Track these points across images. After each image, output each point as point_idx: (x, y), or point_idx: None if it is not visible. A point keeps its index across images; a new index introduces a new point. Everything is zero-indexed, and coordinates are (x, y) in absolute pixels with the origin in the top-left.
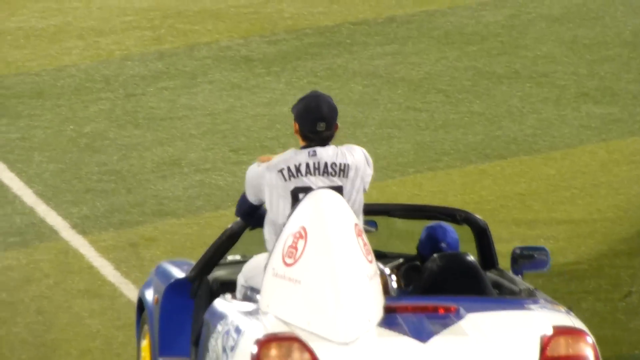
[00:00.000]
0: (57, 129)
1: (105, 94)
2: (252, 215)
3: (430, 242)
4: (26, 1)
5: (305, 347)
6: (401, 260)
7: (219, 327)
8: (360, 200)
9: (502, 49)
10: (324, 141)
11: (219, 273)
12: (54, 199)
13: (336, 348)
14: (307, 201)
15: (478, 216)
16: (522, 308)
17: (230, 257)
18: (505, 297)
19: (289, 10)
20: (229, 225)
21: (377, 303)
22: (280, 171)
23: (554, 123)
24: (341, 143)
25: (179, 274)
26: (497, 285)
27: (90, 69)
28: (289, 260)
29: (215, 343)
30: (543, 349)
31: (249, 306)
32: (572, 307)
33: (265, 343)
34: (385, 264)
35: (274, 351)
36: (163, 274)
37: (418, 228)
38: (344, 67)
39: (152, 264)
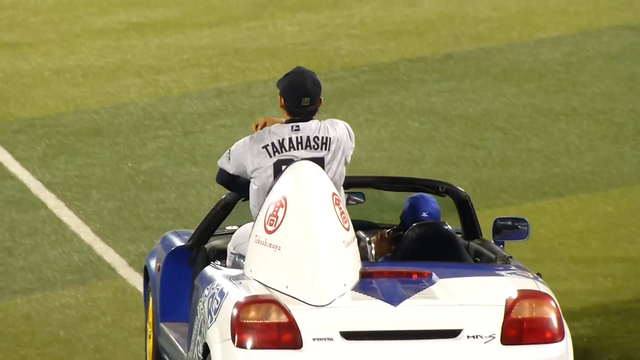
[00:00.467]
0: (115, 166)
1: (163, 132)
2: (231, 184)
3: (413, 212)
4: (85, 39)
5: (282, 309)
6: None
7: (206, 292)
8: (341, 172)
9: (560, 86)
10: (308, 115)
11: (216, 242)
12: (112, 236)
13: (312, 310)
14: (288, 172)
15: (460, 188)
16: (491, 274)
17: (228, 228)
18: (478, 264)
19: (346, 48)
20: (223, 197)
21: (353, 268)
22: (265, 147)
23: (612, 160)
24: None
25: (180, 243)
26: (478, 254)
27: (148, 106)
28: (270, 228)
29: (202, 306)
30: (508, 311)
31: (235, 272)
32: (540, 274)
33: (244, 305)
34: (373, 233)
35: (252, 313)
36: (166, 243)
37: (402, 200)
38: (400, 104)
39: None
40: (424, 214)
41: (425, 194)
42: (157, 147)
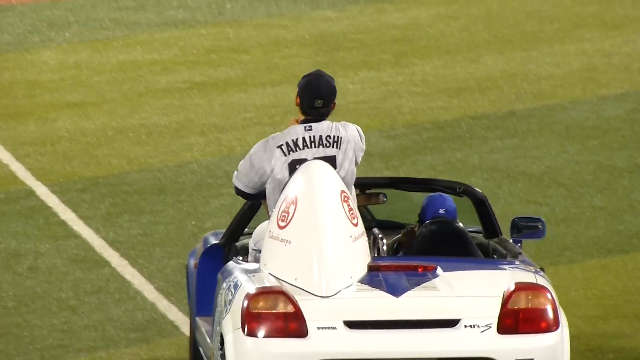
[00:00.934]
0: (178, 224)
1: (227, 190)
2: (249, 198)
3: (431, 209)
4: (149, 98)
5: (289, 299)
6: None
7: (224, 284)
8: (352, 171)
9: (623, 143)
10: (321, 116)
11: (245, 240)
12: (175, 294)
13: (317, 300)
14: (300, 171)
15: (477, 189)
16: (494, 268)
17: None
18: (484, 259)
19: (408, 105)
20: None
21: (360, 261)
22: (280, 147)
23: None
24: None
25: (216, 241)
26: (495, 251)
27: (212, 164)
28: (282, 223)
29: (220, 298)
30: (505, 302)
31: (252, 266)
32: (543, 269)
33: (254, 296)
34: (397, 232)
35: (261, 303)
36: (205, 242)
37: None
38: (463, 161)
39: None
40: (441, 211)
41: (442, 194)
42: (220, 205)
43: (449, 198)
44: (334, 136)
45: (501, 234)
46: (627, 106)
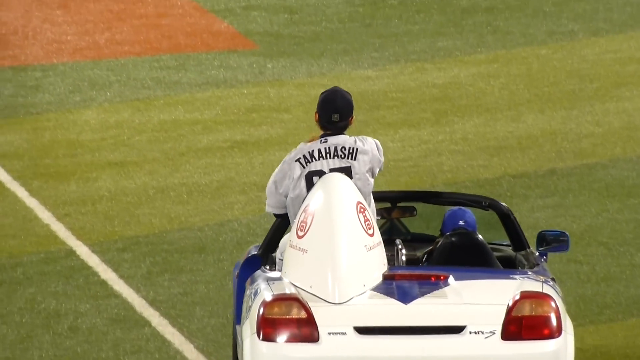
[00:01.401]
0: (219, 283)
1: None
2: (283, 217)
3: (452, 221)
4: (190, 157)
5: (303, 306)
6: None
7: (248, 292)
8: (369, 182)
9: None
10: (339, 130)
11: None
12: (215, 353)
13: (329, 307)
14: (319, 183)
15: (502, 203)
16: (505, 277)
17: None
18: (499, 269)
19: (448, 164)
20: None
21: (374, 270)
22: (298, 160)
23: None
24: None
25: (256, 252)
26: (520, 263)
27: (252, 223)
28: (300, 233)
29: (244, 305)
30: (510, 310)
31: (275, 274)
32: (554, 279)
33: (269, 303)
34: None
35: (276, 309)
36: (248, 253)
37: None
38: None
39: None
40: (461, 222)
41: (462, 207)
42: None
43: (469, 211)
44: (349, 147)
45: (529, 247)
46: None
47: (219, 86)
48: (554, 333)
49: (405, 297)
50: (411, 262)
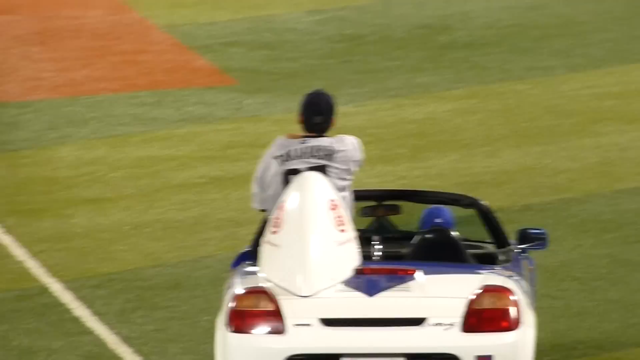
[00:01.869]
0: (193, 320)
1: None
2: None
3: (429, 219)
4: (165, 194)
5: (271, 298)
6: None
7: (225, 286)
8: (346, 181)
9: (638, 236)
10: (320, 132)
11: None
12: None
13: (296, 300)
14: (293, 182)
15: (482, 201)
16: (471, 272)
17: None
18: (468, 264)
19: None
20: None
21: (344, 265)
22: (276, 157)
23: None
24: None
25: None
26: (499, 259)
27: (227, 259)
28: (274, 229)
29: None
30: (470, 303)
31: (252, 269)
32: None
33: (239, 296)
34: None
35: (245, 302)
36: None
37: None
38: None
39: None
40: (438, 220)
41: (439, 205)
42: None
43: (445, 209)
44: (325, 147)
45: (510, 244)
46: None
47: (197, 122)
48: (513, 326)
49: (370, 290)
50: (391, 258)
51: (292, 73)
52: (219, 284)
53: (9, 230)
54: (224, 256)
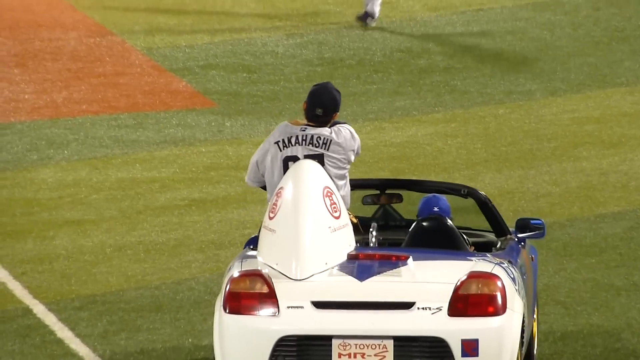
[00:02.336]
0: (175, 342)
1: None
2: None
3: (427, 207)
4: (147, 216)
5: (266, 281)
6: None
7: (226, 270)
8: (343, 169)
9: (621, 261)
10: (321, 124)
11: None
12: None
13: (290, 283)
14: (290, 169)
15: (481, 192)
16: (462, 259)
17: None
18: (461, 251)
19: None
20: None
21: (338, 250)
22: (277, 143)
23: None
24: None
25: None
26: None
27: (210, 281)
28: (271, 215)
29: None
30: (457, 288)
31: (252, 253)
32: (511, 261)
33: (235, 279)
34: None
35: (240, 284)
36: None
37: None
38: None
39: None
40: (435, 209)
41: (437, 194)
42: None
43: (443, 198)
44: (323, 137)
45: (510, 233)
46: (624, 224)
47: (177, 144)
48: (499, 310)
49: (362, 275)
50: (391, 244)
51: (272, 96)
52: (201, 306)
53: None
54: (206, 278)
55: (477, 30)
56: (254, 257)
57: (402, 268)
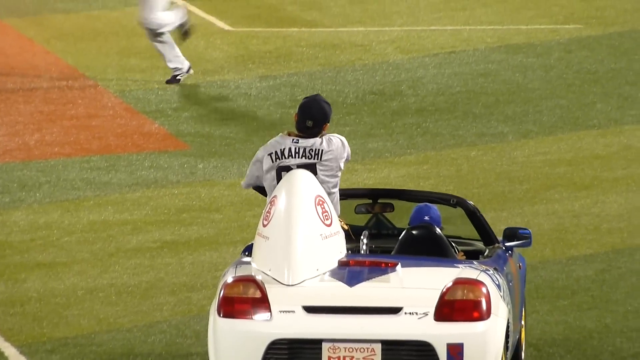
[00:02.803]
0: None
1: (196, 349)
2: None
3: (418, 216)
4: (119, 258)
5: (258, 286)
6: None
7: (222, 275)
8: (334, 177)
9: (593, 303)
10: (311, 135)
11: None
12: None
13: (282, 288)
14: (284, 179)
15: (469, 201)
16: (449, 266)
17: None
18: (448, 259)
19: None
20: None
21: (329, 257)
22: (270, 154)
23: None
24: None
25: None
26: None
27: (182, 324)
28: (264, 222)
29: None
30: (443, 294)
31: (246, 259)
32: (497, 269)
33: (229, 284)
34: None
35: (235, 289)
36: None
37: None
38: None
39: None
40: (426, 218)
41: (428, 203)
42: None
43: (434, 207)
44: (315, 149)
45: (498, 242)
46: (596, 267)
47: (150, 186)
48: (483, 316)
49: (351, 281)
50: (382, 252)
51: (245, 138)
52: (173, 350)
53: None
54: (178, 321)
55: (449, 72)
56: (248, 263)
57: (391, 274)
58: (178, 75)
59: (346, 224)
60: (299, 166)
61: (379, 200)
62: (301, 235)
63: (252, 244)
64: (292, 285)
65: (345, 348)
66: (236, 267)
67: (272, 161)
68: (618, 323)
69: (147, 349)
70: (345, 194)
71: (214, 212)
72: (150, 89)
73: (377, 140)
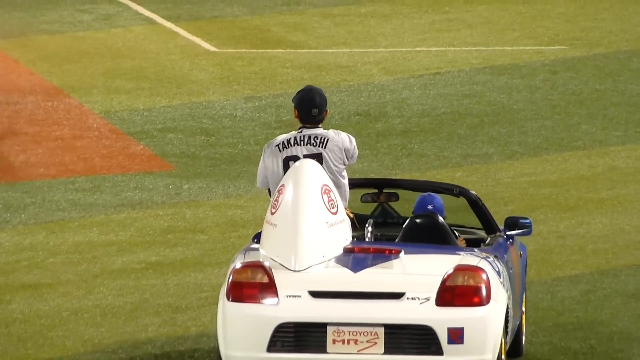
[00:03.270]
0: None
1: None
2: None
3: (422, 205)
4: (104, 279)
5: (266, 272)
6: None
7: (231, 261)
8: (340, 167)
9: (578, 324)
10: (316, 123)
11: None
12: None
13: (289, 273)
14: (291, 168)
15: (472, 191)
16: (451, 253)
17: None
18: (450, 246)
19: None
20: None
21: (335, 244)
22: (277, 145)
23: None
24: None
25: None
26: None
27: (167, 345)
28: (272, 210)
29: None
30: (444, 280)
31: (254, 246)
32: (497, 256)
33: (237, 270)
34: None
35: (243, 274)
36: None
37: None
38: None
39: None
40: (430, 207)
41: (432, 193)
42: None
43: (437, 197)
44: (320, 136)
45: (499, 230)
46: (581, 287)
47: (135, 207)
48: (483, 301)
49: (356, 267)
50: (387, 239)
51: (230, 158)
52: None
53: None
54: (163, 342)
55: (434, 93)
56: (256, 249)
57: (394, 261)
58: None
59: (352, 212)
60: (306, 156)
61: (385, 190)
62: (308, 223)
63: (258, 233)
64: (299, 271)
65: (349, 332)
66: (245, 253)
67: (280, 150)
68: (603, 344)
69: None
70: (352, 184)
71: (199, 233)
72: (136, 110)
73: (363, 161)
